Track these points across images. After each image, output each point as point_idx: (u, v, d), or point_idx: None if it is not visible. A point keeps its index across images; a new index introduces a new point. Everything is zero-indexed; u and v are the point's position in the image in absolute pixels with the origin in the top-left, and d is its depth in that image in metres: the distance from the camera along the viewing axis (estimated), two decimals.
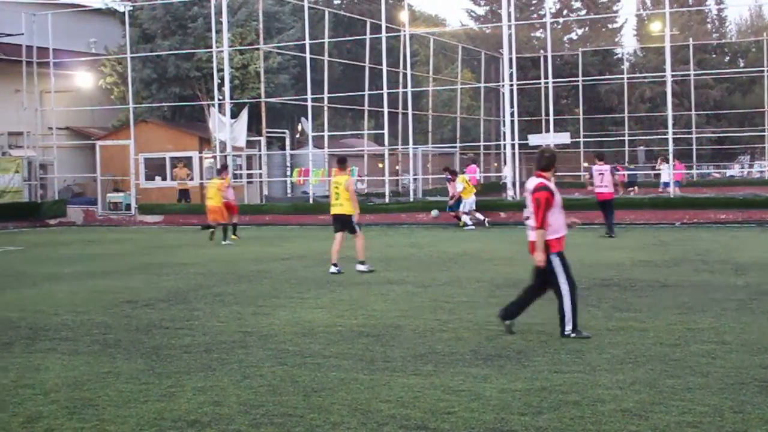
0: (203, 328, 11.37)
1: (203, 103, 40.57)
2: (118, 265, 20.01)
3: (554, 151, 10.89)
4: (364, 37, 43.61)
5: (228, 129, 36.73)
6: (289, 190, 41.19)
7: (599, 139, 55.81)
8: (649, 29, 64.77)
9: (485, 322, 11.23)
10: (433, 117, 51.65)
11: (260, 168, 39.59)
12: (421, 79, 53.32)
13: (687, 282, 14.76)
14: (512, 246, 22.65)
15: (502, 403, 7.49)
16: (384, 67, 37.78)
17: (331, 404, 7.57)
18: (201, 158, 39.66)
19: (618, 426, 6.77)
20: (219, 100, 37.33)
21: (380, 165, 42.43)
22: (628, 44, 75.86)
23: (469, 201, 30.43)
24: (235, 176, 35.56)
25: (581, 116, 54.29)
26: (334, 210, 17.82)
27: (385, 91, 37.39)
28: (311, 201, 36.23)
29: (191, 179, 38.77)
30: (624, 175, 40.44)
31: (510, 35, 35.63)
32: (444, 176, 33.56)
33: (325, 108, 41.38)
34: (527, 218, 10.43)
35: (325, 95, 40.60)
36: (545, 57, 38.88)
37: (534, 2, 75.16)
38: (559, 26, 75.95)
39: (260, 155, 39.37)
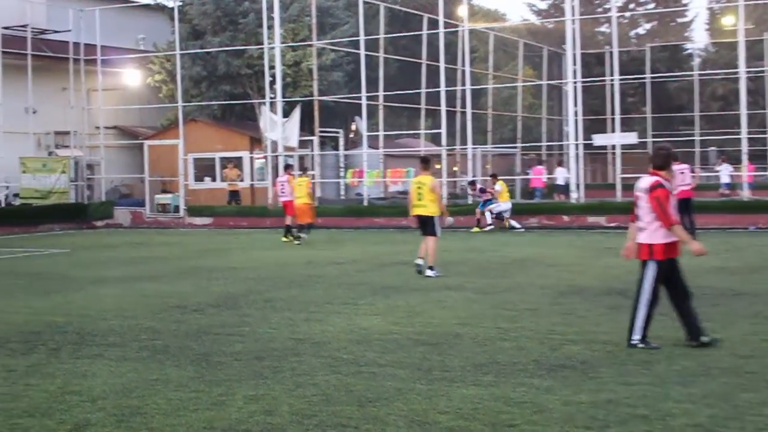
0: (254, 335, 11.43)
1: (254, 101, 40.79)
2: (167, 269, 20.20)
3: (670, 149, 10.62)
4: (421, 32, 43.53)
5: (279, 128, 36.88)
6: (342, 192, 41.27)
7: (668, 139, 55.07)
8: (722, 23, 63.95)
9: (548, 331, 11.17)
10: (492, 116, 51.40)
11: (313, 169, 39.69)
12: (480, 77, 53.13)
13: (763, 290, 14.56)
14: (576, 251, 22.52)
15: (566, 416, 7.44)
16: (442, 64, 37.68)
17: (387, 415, 7.56)
18: (252, 158, 39.87)
19: None
20: (270, 98, 37.49)
21: (437, 166, 42.37)
22: (698, 39, 75.07)
23: (505, 205, 30.82)
24: None
25: (649, 115, 53.70)
26: (417, 210, 18.01)
27: (442, 88, 37.32)
28: (365, 203, 36.28)
29: (241, 180, 39.01)
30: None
31: (574, 30, 35.41)
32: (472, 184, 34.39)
33: (381, 106, 41.40)
34: (638, 219, 10.27)
35: (381, 93, 40.64)
36: (611, 53, 38.49)
37: None
38: (626, 20, 75.18)
39: (313, 155, 39.45)
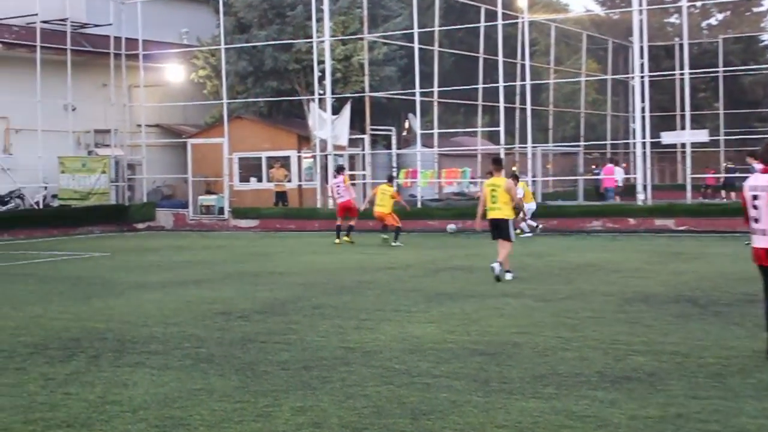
0: (302, 343, 11.47)
1: (302, 98, 40.91)
2: (211, 274, 20.34)
3: None
4: (478, 25, 43.45)
5: (329, 126, 36.98)
6: None
7: (742, 136, 54.60)
8: None
9: (612, 341, 11.10)
10: (554, 112, 51.18)
11: (364, 168, 39.73)
12: (540, 71, 52.93)
13: None
14: (642, 256, 22.37)
15: (632, 430, 7.39)
16: (500, 58, 37.59)
17: (441, 428, 7.56)
18: (299, 158, 39.98)
19: None
20: (319, 94, 37.59)
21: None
22: None
23: (529, 207, 30.66)
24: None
25: (721, 111, 53.22)
26: (492, 214, 18.13)
27: (501, 84, 37.22)
28: (419, 205, 36.23)
29: (289, 180, 39.10)
30: None
31: (641, 21, 35.14)
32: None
33: (435, 103, 41.39)
34: (755, 221, 10.08)
35: (435, 89, 40.61)
36: (680, 45, 38.16)
37: None
38: (697, 11, 74.61)
39: (364, 155, 39.50)
